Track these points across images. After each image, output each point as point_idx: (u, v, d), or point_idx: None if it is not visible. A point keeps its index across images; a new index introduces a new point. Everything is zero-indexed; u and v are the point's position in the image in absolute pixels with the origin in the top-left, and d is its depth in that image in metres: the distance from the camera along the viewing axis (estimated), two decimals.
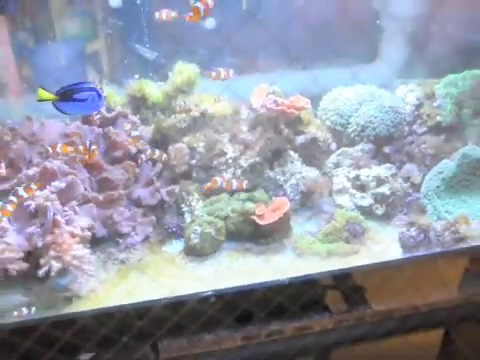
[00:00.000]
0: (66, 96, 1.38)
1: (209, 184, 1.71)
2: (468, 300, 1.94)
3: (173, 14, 1.56)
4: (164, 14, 1.57)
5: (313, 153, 1.95)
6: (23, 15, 1.91)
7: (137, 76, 1.87)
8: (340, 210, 1.80)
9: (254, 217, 1.69)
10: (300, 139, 1.91)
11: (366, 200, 1.83)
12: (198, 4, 1.39)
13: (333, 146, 1.97)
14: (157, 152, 1.71)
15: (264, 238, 1.73)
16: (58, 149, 1.52)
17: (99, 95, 1.42)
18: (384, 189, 1.83)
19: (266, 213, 1.71)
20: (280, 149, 1.88)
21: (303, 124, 1.94)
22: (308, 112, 1.97)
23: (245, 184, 1.72)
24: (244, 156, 1.84)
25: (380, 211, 1.83)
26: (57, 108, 1.41)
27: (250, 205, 1.73)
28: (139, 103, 1.88)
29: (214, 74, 1.61)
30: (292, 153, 1.89)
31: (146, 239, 1.69)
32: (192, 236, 1.65)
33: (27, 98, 1.96)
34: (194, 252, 1.67)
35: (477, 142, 1.95)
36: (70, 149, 1.52)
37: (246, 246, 1.72)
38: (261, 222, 1.68)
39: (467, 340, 2.22)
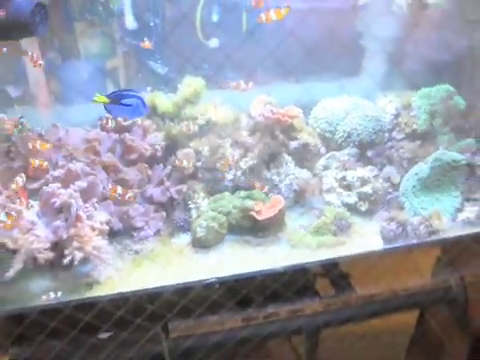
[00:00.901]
0: (115, 100, 1.37)
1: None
2: (439, 285, 1.97)
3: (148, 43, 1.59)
4: (147, 43, 1.61)
5: (305, 156, 1.93)
6: (52, 36, 1.92)
7: (150, 88, 1.85)
8: (329, 207, 1.78)
9: (253, 213, 1.68)
10: (293, 144, 1.89)
11: (351, 198, 1.82)
12: None
13: (322, 150, 1.96)
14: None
15: (261, 232, 1.71)
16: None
17: (143, 103, 1.41)
18: (367, 188, 1.81)
19: (263, 209, 1.69)
20: (276, 153, 1.87)
21: (296, 131, 1.93)
22: (300, 120, 1.95)
23: (267, 188, 1.75)
24: (244, 159, 1.83)
25: (364, 208, 1.82)
26: (106, 109, 1.40)
27: (249, 202, 1.71)
28: (151, 112, 1.86)
29: (234, 84, 1.57)
30: (286, 156, 1.88)
31: (157, 232, 1.68)
32: (198, 230, 1.64)
33: (54, 108, 1.95)
34: (200, 244, 1.65)
35: (447, 147, 1.94)
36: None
37: (246, 238, 1.70)
38: (259, 217, 1.67)
39: (438, 320, 2.24)
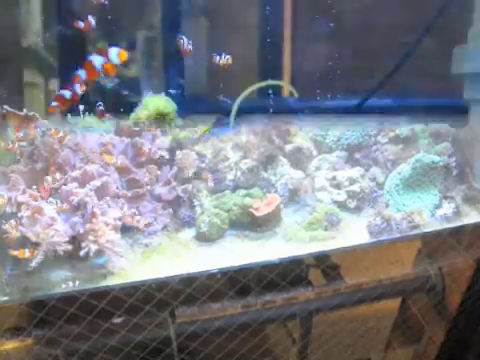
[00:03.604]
0: (218, 123, 1.59)
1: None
2: (420, 275, 1.94)
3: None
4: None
5: (299, 158, 1.91)
6: None
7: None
8: (320, 204, 1.76)
9: (252, 210, 1.65)
10: (288, 147, 1.88)
11: (341, 196, 1.80)
12: None
13: (315, 153, 1.94)
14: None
15: (260, 227, 1.69)
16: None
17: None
18: (355, 187, 1.79)
19: (261, 206, 1.67)
20: (273, 155, 1.84)
21: (291, 136, 1.91)
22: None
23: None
24: (244, 160, 1.81)
25: (352, 205, 1.80)
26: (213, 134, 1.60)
27: (248, 200, 1.68)
28: (161, 119, 1.83)
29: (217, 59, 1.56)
30: (282, 158, 1.86)
31: (165, 227, 1.65)
32: (202, 225, 1.61)
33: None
34: (203, 238, 1.62)
35: (426, 150, 1.92)
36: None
37: (245, 233, 1.67)
38: (257, 214, 1.64)
39: (419, 306, 2.23)
